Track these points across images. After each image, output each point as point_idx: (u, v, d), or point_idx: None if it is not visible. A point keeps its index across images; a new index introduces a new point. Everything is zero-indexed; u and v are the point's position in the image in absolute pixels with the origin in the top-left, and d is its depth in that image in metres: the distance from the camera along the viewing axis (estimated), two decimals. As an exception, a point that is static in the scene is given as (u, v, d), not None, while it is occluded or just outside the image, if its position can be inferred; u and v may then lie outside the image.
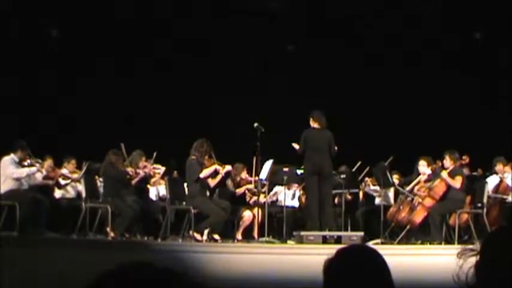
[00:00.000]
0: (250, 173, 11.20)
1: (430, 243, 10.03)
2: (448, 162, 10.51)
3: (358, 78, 14.30)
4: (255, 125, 10.44)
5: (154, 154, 11.03)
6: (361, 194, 12.46)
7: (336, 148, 10.46)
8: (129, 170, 10.43)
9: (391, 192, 11.85)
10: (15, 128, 11.87)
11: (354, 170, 11.76)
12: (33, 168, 9.97)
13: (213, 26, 13.93)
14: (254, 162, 10.69)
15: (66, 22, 13.47)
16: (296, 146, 10.49)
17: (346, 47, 14.24)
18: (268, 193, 11.68)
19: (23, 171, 9.84)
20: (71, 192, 11.13)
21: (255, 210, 10.80)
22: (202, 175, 10.20)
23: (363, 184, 12.20)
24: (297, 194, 12.19)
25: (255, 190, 11.04)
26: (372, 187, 12.13)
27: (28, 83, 13.16)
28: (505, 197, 10.94)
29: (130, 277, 1.05)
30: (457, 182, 10.32)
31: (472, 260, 2.00)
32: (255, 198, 11.09)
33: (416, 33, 14.16)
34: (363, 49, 14.36)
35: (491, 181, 11.06)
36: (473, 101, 13.92)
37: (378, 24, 14.23)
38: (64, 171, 10.94)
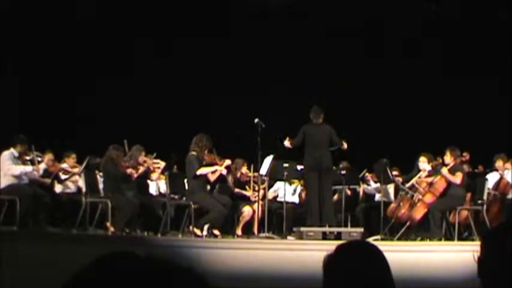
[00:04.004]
0: (250, 169, 11.21)
1: (430, 240, 10.04)
2: (448, 158, 10.52)
3: (359, 75, 14.30)
4: (256, 120, 10.44)
5: (154, 154, 11.06)
6: (361, 190, 12.48)
7: (344, 143, 10.44)
8: (129, 170, 10.42)
9: (391, 189, 11.86)
10: (15, 123, 11.89)
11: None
12: (28, 168, 9.93)
13: (213, 25, 13.96)
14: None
15: (68, 23, 13.49)
16: (287, 143, 10.43)
17: (346, 44, 14.25)
18: (269, 189, 11.69)
19: (17, 169, 9.79)
20: (71, 187, 11.13)
21: (255, 205, 10.80)
22: (199, 172, 10.19)
23: (364, 182, 12.21)
24: (298, 189, 12.20)
25: (255, 198, 11.01)
26: (372, 184, 12.14)
27: (29, 80, 13.19)
28: (505, 193, 10.94)
29: (113, 268, 1.05)
30: (457, 178, 10.32)
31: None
32: (256, 193, 11.09)
33: (416, 33, 14.18)
34: (364, 47, 14.37)
35: (492, 178, 11.05)
36: (473, 98, 13.91)
37: (379, 20, 14.24)
38: (64, 165, 10.95)
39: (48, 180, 10.58)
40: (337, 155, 10.87)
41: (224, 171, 10.53)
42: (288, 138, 10.47)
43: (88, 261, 1.07)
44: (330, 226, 10.14)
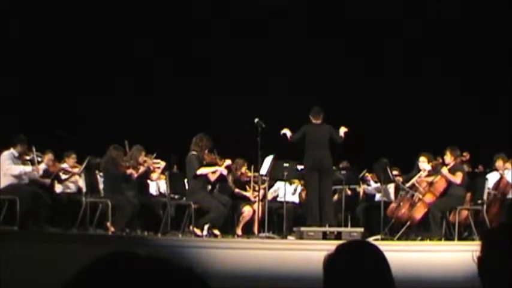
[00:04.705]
0: (250, 169, 11.21)
1: (430, 240, 10.04)
2: (448, 158, 10.52)
3: (358, 75, 14.30)
4: (256, 120, 10.44)
5: (154, 154, 11.06)
6: (361, 190, 12.47)
7: (341, 129, 10.43)
8: (129, 170, 10.42)
9: (391, 189, 11.85)
10: (15, 123, 11.89)
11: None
12: (28, 168, 9.92)
13: (213, 25, 13.96)
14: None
15: (68, 23, 13.50)
16: (288, 132, 10.45)
17: (346, 46, 14.25)
18: (269, 189, 11.69)
19: (17, 169, 9.80)
20: (71, 187, 11.13)
21: (255, 205, 10.80)
22: (199, 172, 10.19)
23: (364, 182, 12.20)
24: (298, 189, 12.19)
25: (255, 198, 11.00)
26: (372, 184, 12.13)
27: (29, 80, 13.19)
28: (505, 193, 10.94)
29: (113, 267, 1.05)
30: (457, 178, 10.32)
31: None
32: (256, 193, 11.09)
33: (416, 33, 14.19)
34: (362, 48, 14.37)
35: (492, 178, 11.04)
36: (473, 98, 13.91)
37: (378, 20, 14.25)
38: (64, 165, 10.95)
39: (48, 180, 10.57)
40: (337, 155, 10.86)
41: (224, 171, 10.53)
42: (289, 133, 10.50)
43: (88, 261, 1.07)
44: (330, 226, 10.14)
